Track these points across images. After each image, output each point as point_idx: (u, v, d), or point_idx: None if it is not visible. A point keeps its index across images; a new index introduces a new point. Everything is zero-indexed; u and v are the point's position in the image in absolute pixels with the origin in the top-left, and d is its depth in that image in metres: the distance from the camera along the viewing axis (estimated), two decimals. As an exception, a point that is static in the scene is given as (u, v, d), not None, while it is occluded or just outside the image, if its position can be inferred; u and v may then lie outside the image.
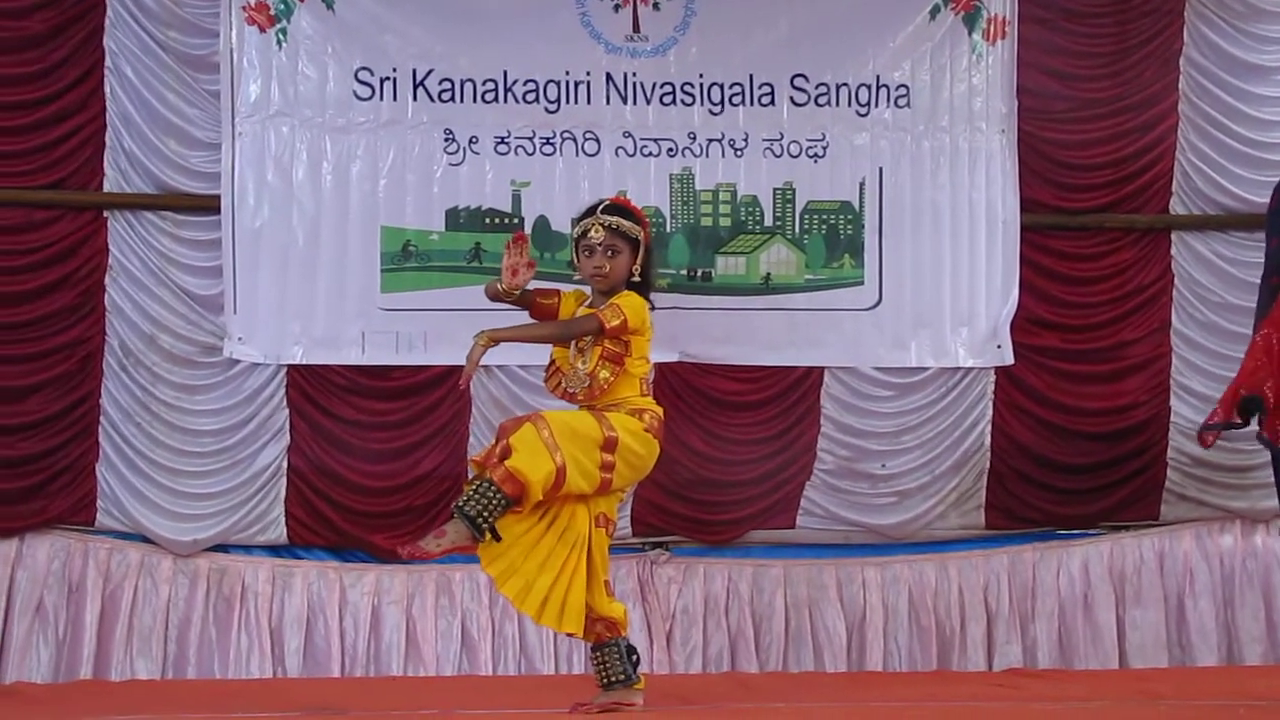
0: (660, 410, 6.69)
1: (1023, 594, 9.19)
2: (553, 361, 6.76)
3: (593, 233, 6.63)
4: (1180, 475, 9.28)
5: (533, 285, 6.78)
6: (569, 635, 6.74)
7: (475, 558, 6.48)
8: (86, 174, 8.70)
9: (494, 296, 6.76)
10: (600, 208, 6.72)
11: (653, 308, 6.69)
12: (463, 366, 6.42)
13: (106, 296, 8.72)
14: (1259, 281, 7.80)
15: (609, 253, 6.60)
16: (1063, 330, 9.26)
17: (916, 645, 9.09)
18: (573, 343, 6.64)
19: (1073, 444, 9.24)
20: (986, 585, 9.19)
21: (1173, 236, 9.34)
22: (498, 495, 6.19)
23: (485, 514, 6.19)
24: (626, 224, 6.64)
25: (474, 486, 6.26)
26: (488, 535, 6.23)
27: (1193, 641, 9.20)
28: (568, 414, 6.51)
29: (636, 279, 6.65)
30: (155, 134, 8.71)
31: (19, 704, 7.83)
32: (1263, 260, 7.79)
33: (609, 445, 6.42)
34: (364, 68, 8.81)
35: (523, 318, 6.86)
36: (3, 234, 8.61)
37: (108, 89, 8.68)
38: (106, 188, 8.72)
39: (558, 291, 6.89)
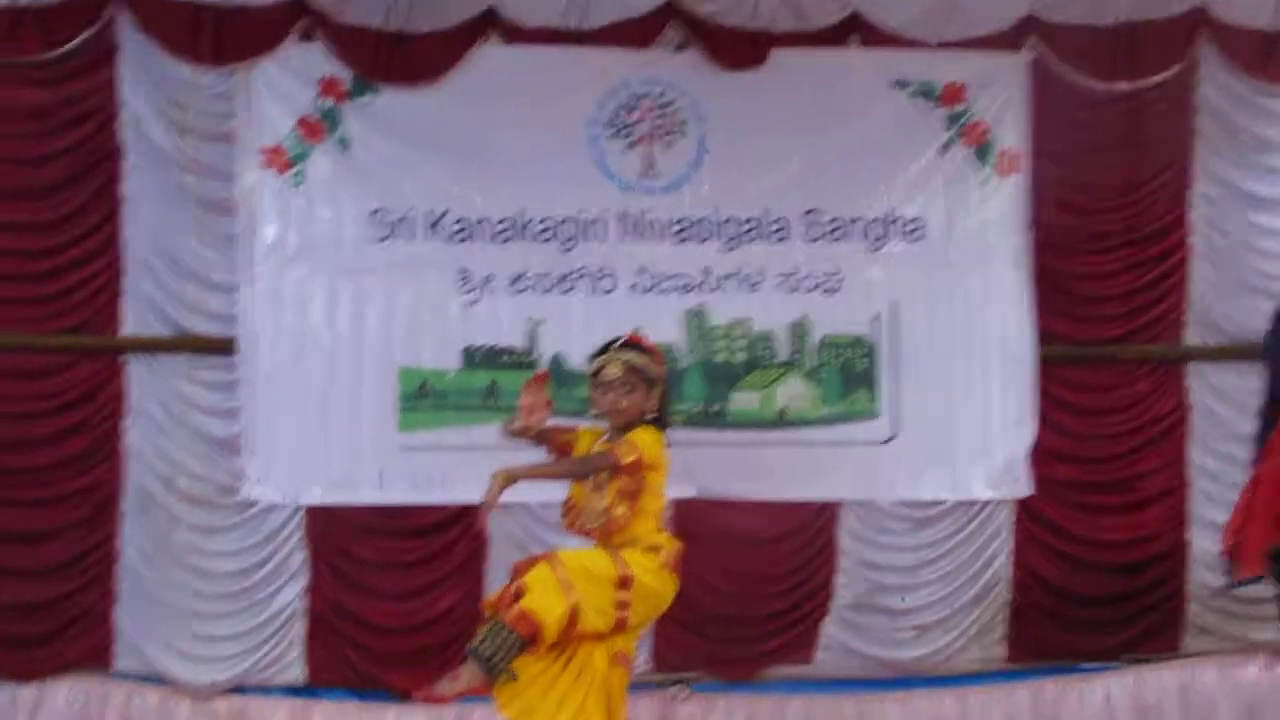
0: (676, 545, 6.68)
1: (1045, 728, 9.14)
2: (569, 498, 6.75)
3: (609, 369, 6.64)
4: (1201, 606, 9.23)
5: (550, 423, 6.79)
6: (588, 775, 6.69)
7: (492, 697, 6.46)
8: (105, 318, 8.75)
9: (510, 434, 6.77)
10: (616, 344, 6.74)
11: (669, 444, 6.69)
12: (480, 505, 6.40)
13: (125, 440, 8.75)
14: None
15: (625, 388, 6.62)
16: (1080, 462, 9.24)
17: (938, 781, 9.03)
18: (589, 479, 6.63)
19: (1092, 576, 9.19)
20: (1008, 719, 9.12)
21: (1188, 367, 9.34)
22: (512, 636, 6.17)
23: (500, 655, 6.17)
24: (642, 361, 6.66)
25: (488, 628, 6.24)
26: (503, 676, 6.21)
27: (1216, 777, 9.13)
28: (582, 553, 6.50)
29: (652, 415, 6.66)
30: (173, 277, 8.77)
31: None
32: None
33: (624, 583, 6.40)
34: (380, 208, 8.86)
35: (540, 455, 6.86)
36: (21, 379, 8.66)
37: (125, 234, 8.74)
38: (124, 332, 8.77)
39: (574, 428, 6.90)
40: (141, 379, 8.77)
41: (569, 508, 6.74)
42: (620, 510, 6.51)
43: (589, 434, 6.82)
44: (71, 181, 8.68)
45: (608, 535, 6.56)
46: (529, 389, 6.71)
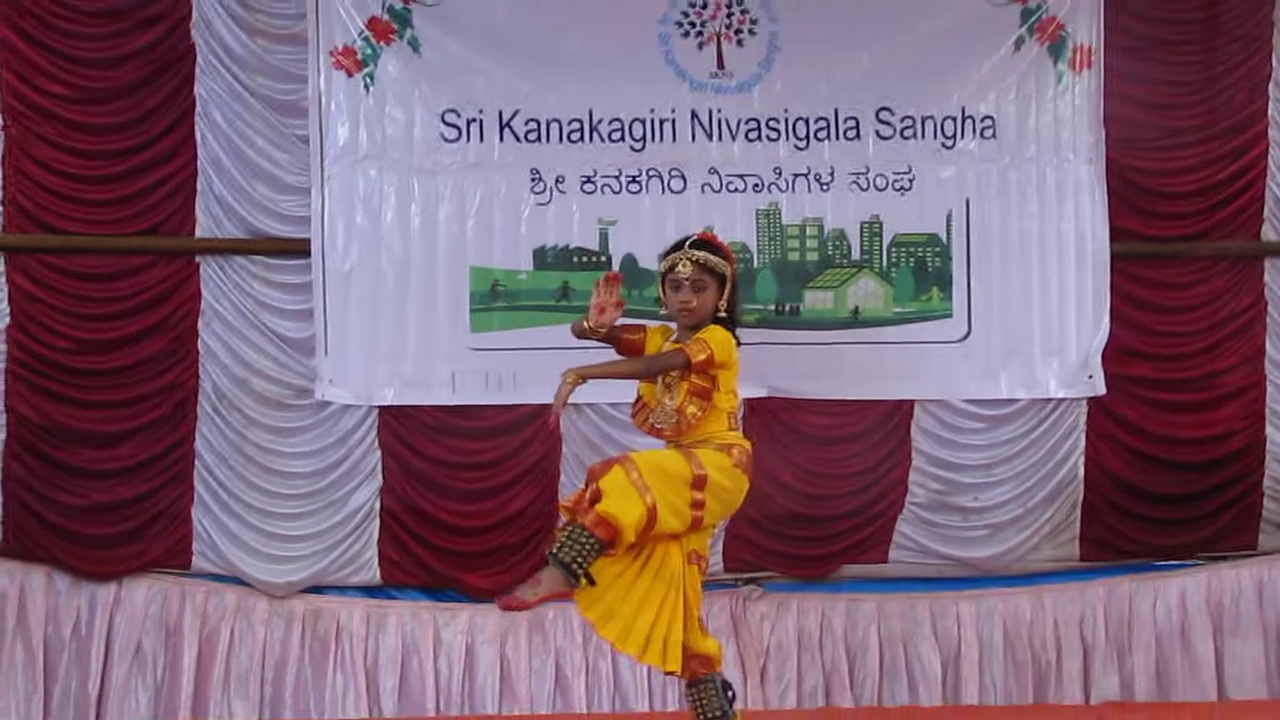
0: (748, 444, 6.64)
1: (1119, 626, 9.12)
2: (640, 398, 6.72)
3: (680, 267, 6.59)
4: (1277, 504, 9.20)
5: (620, 322, 6.77)
6: (669, 674, 6.70)
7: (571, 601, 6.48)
8: (178, 220, 8.80)
9: (580, 334, 6.74)
10: (687, 243, 6.68)
11: (740, 343, 6.66)
12: (552, 405, 6.40)
13: (199, 341, 8.81)
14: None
15: (696, 287, 6.56)
16: (1155, 360, 9.20)
17: (1012, 679, 9.04)
18: (660, 378, 6.59)
19: (1167, 474, 9.16)
20: (1082, 618, 9.12)
21: (1266, 263, 9.26)
22: (590, 540, 6.16)
23: (579, 560, 6.16)
24: (713, 259, 6.59)
25: (566, 533, 6.22)
26: (583, 580, 6.23)
27: (1294, 673, 9.11)
28: (656, 454, 6.47)
29: (723, 314, 6.63)
30: (245, 179, 8.81)
31: (118, 746, 7.92)
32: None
33: (698, 483, 6.37)
34: (450, 109, 8.87)
35: (610, 355, 6.85)
36: (98, 281, 8.73)
37: (198, 136, 8.78)
38: (198, 233, 8.81)
39: (643, 327, 6.84)
40: (215, 281, 8.81)
41: (639, 407, 6.71)
42: (691, 409, 6.48)
43: (659, 333, 6.78)
44: (145, 83, 8.72)
45: (679, 434, 6.53)
46: (600, 288, 6.66)
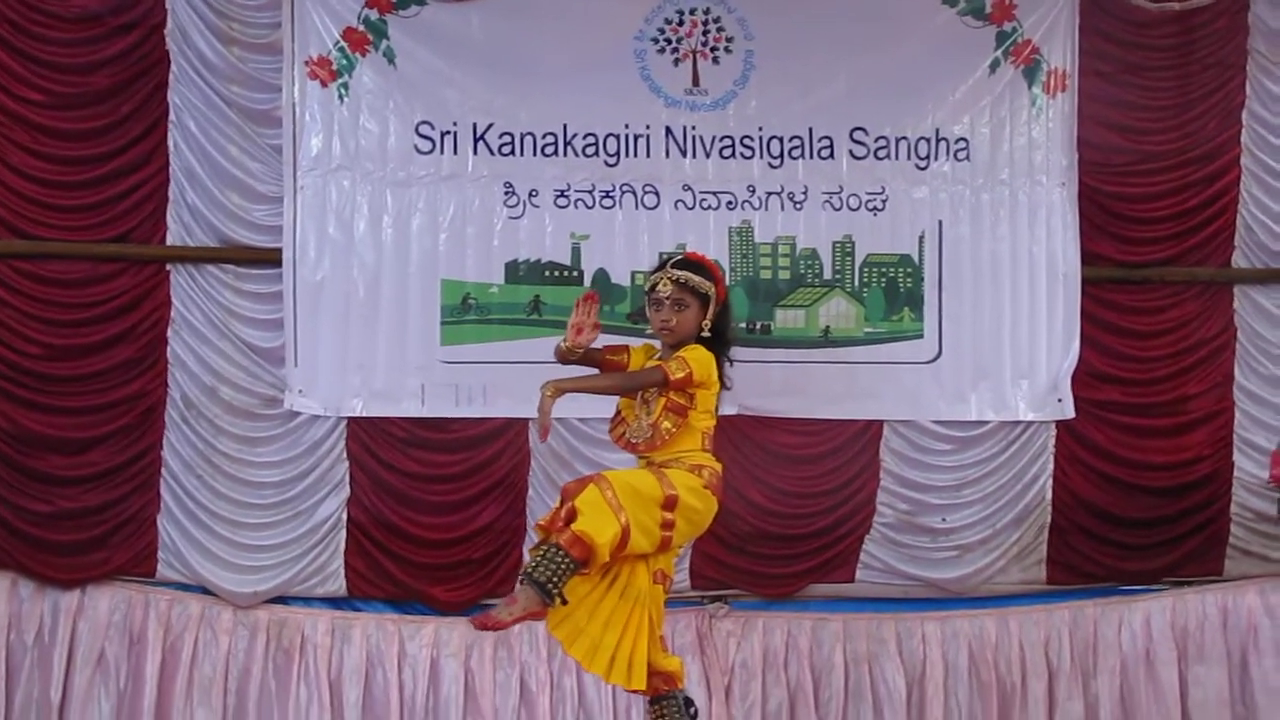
0: (719, 466, 6.64)
1: (1084, 650, 9.13)
2: (618, 411, 6.72)
3: (660, 287, 6.60)
4: (1244, 530, 9.24)
5: (603, 343, 6.78)
6: (634, 692, 6.69)
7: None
8: (150, 228, 8.76)
9: (561, 357, 6.74)
10: (671, 262, 6.71)
11: (731, 363, 6.68)
12: (526, 419, 6.39)
13: (169, 349, 8.77)
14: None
15: (676, 307, 6.57)
16: (1124, 384, 9.22)
17: (977, 701, 9.05)
18: (639, 394, 6.61)
19: (1135, 498, 9.18)
20: (1048, 641, 9.13)
21: (1235, 290, 9.30)
22: (565, 559, 6.15)
23: (555, 579, 6.14)
24: (695, 278, 6.60)
25: (541, 552, 6.21)
26: (558, 600, 6.21)
27: (1256, 700, 9.10)
28: (628, 473, 6.47)
29: (706, 334, 6.63)
30: (218, 188, 8.77)
31: (81, 756, 7.88)
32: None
33: (669, 504, 6.37)
34: (425, 121, 8.85)
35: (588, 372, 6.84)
36: (68, 287, 8.68)
37: (171, 143, 8.74)
38: (169, 241, 8.77)
39: (627, 347, 6.85)
40: (186, 289, 8.78)
41: (617, 421, 6.72)
42: (666, 424, 6.48)
43: (643, 351, 6.79)
44: (119, 90, 8.68)
45: (652, 449, 6.54)
46: (579, 308, 6.67)
